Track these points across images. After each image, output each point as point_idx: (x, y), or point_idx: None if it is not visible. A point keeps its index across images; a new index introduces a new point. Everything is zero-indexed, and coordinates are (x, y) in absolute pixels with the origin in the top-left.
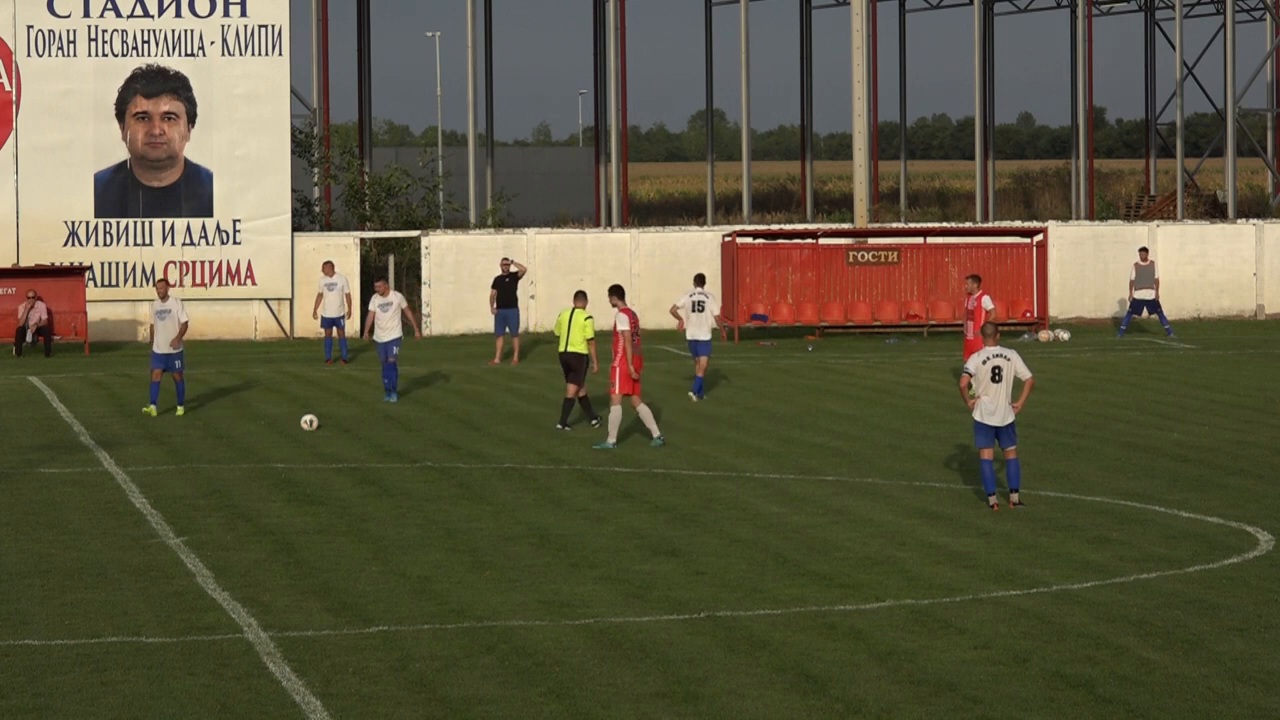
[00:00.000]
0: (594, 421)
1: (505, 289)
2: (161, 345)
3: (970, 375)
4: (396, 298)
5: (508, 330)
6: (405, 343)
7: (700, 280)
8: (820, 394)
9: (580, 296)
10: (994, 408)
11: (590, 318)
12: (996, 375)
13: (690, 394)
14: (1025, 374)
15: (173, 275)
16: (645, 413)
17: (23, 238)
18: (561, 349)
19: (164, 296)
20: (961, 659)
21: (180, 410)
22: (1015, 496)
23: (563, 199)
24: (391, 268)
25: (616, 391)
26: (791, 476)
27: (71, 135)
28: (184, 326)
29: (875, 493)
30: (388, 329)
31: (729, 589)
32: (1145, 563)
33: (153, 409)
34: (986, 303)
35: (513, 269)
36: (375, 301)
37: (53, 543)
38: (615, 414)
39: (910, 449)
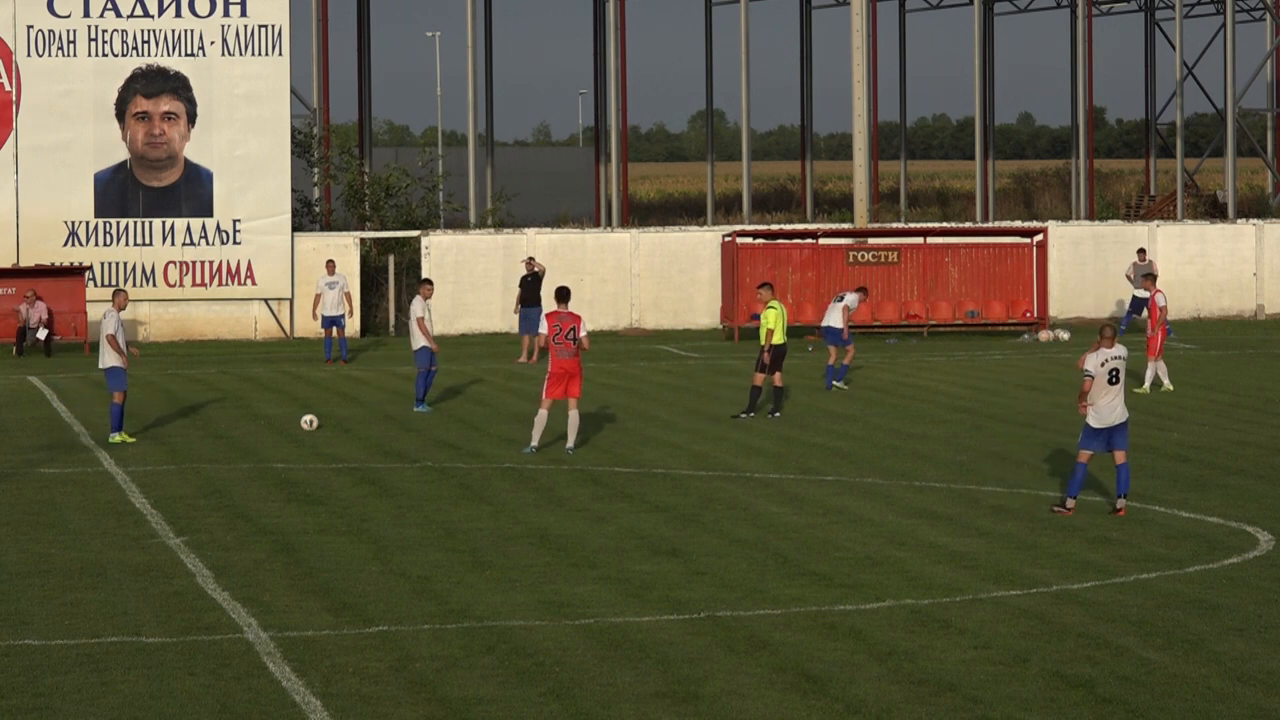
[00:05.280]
0: (776, 414)
1: (528, 288)
2: (111, 358)
3: (1092, 378)
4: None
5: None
6: (400, 344)
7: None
8: (821, 394)
9: (770, 288)
10: (1110, 411)
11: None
12: (1114, 377)
13: (837, 384)
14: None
15: (173, 275)
16: (573, 418)
17: (23, 238)
18: (778, 340)
19: (123, 306)
20: (961, 659)
21: (119, 437)
22: (1121, 503)
23: (563, 199)
24: (391, 267)
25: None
26: (791, 476)
27: (71, 135)
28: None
29: (875, 493)
30: (432, 335)
31: (729, 589)
32: (1145, 563)
33: (119, 436)
34: (1160, 300)
35: (535, 268)
36: (423, 305)
37: (53, 543)
38: (541, 417)
39: (910, 449)
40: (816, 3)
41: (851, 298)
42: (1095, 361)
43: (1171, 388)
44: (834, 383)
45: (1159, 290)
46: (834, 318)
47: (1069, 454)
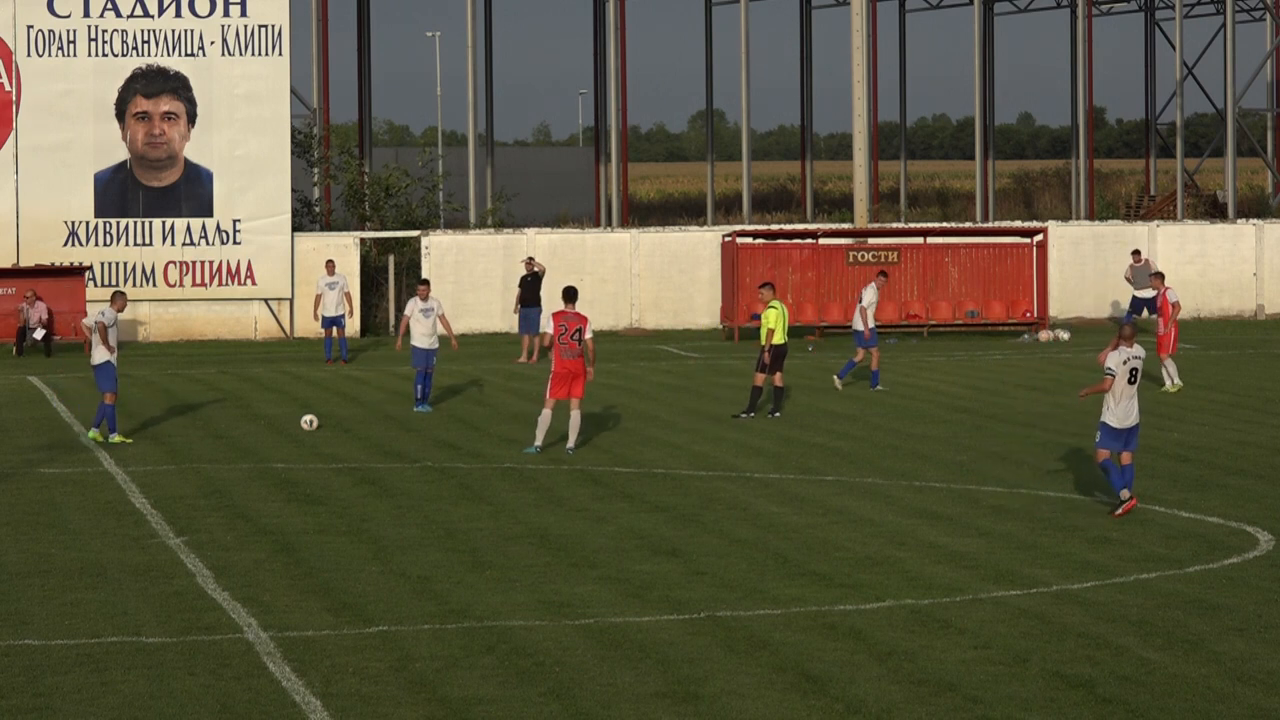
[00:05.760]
0: (776, 414)
1: (528, 288)
2: (103, 354)
3: (1113, 376)
4: (437, 302)
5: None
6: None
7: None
8: (820, 394)
9: (772, 288)
10: (1128, 411)
11: None
12: (1133, 377)
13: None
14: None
15: (173, 275)
16: (575, 419)
17: (23, 238)
18: (779, 340)
19: (122, 309)
20: (961, 659)
21: (118, 438)
22: (1125, 493)
23: (563, 199)
24: (391, 267)
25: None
26: (791, 476)
27: (71, 135)
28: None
29: (875, 493)
30: (430, 335)
31: (729, 589)
32: (1145, 563)
33: (118, 436)
34: (1172, 296)
35: (535, 268)
36: (415, 306)
37: (53, 543)
38: (545, 417)
39: (910, 449)
40: (816, 3)
41: (869, 296)
42: (1117, 360)
43: (1172, 389)
44: (877, 386)
45: (1169, 287)
46: (855, 320)
47: (1069, 453)
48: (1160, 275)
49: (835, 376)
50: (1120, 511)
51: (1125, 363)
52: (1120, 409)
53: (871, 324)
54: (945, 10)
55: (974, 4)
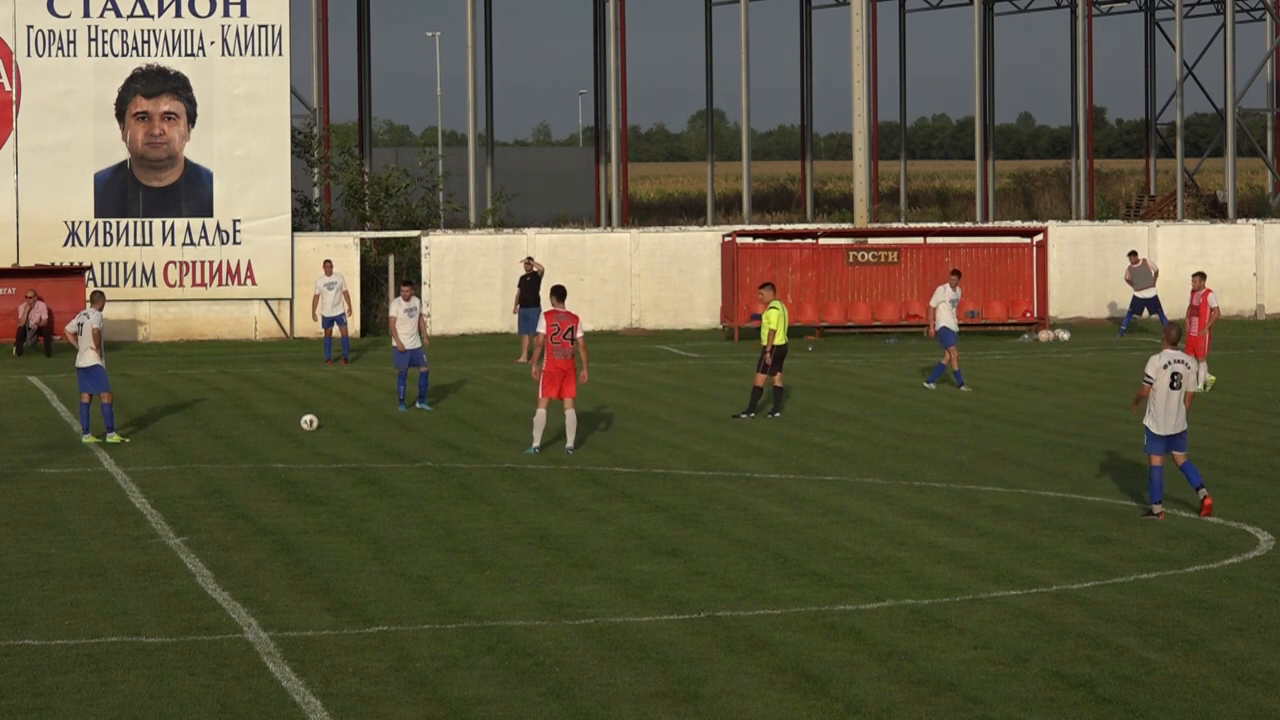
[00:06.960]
0: (776, 414)
1: (527, 288)
2: (95, 357)
3: (1150, 383)
4: (419, 302)
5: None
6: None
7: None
8: (820, 394)
9: (772, 288)
10: (1171, 416)
11: None
12: (1175, 382)
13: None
14: (1193, 385)
15: (173, 275)
16: (570, 418)
17: (23, 238)
18: (780, 341)
19: (102, 308)
20: (961, 659)
21: (117, 437)
22: (1203, 493)
23: (563, 199)
24: (391, 267)
25: (542, 395)
26: (791, 476)
27: (71, 135)
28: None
29: (875, 493)
30: (413, 335)
31: (729, 589)
32: (1145, 563)
33: (116, 436)
34: (1212, 300)
35: (535, 268)
36: (399, 306)
37: (53, 543)
38: (540, 417)
39: (910, 449)
40: (816, 3)
41: (938, 295)
42: (1157, 365)
43: (1214, 379)
44: (927, 384)
45: (1210, 290)
46: (945, 318)
47: (1068, 454)
48: (1202, 275)
49: (959, 386)
50: (1157, 516)
51: (1165, 367)
52: (1162, 414)
53: (951, 323)
54: (945, 10)
55: (974, 4)
